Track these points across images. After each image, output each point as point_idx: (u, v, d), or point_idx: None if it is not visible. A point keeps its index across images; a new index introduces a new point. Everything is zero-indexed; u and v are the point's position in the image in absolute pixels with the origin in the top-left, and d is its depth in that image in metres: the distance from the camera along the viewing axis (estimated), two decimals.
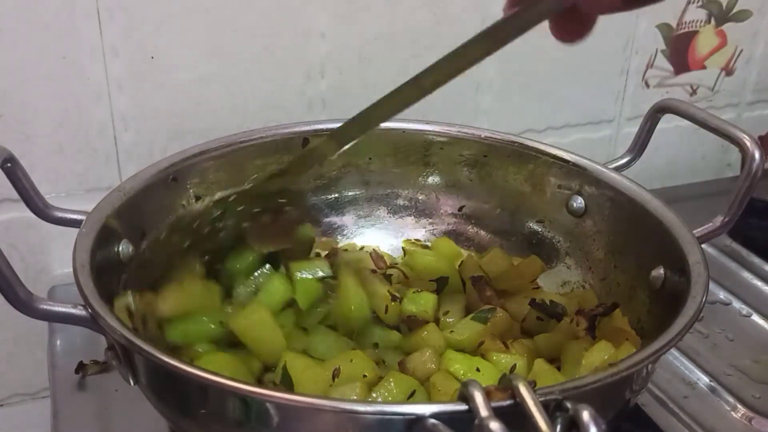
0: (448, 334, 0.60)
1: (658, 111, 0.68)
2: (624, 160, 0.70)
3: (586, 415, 0.38)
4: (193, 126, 0.74)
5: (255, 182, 0.66)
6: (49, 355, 0.68)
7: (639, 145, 0.70)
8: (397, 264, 0.71)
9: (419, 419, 0.41)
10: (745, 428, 0.62)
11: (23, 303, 0.48)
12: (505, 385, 0.41)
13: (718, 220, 0.62)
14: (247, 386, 0.43)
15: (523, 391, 0.40)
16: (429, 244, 0.74)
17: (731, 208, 0.61)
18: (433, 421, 0.40)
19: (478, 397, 0.39)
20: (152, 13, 0.70)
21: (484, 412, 0.39)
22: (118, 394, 0.62)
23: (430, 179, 0.75)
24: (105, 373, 0.65)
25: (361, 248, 0.73)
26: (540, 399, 0.40)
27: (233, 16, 0.72)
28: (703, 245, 0.57)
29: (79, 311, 0.49)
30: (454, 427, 0.39)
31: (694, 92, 0.97)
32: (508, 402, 0.40)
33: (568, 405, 0.40)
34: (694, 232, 0.59)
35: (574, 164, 0.68)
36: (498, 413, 0.39)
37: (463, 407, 0.40)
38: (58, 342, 0.69)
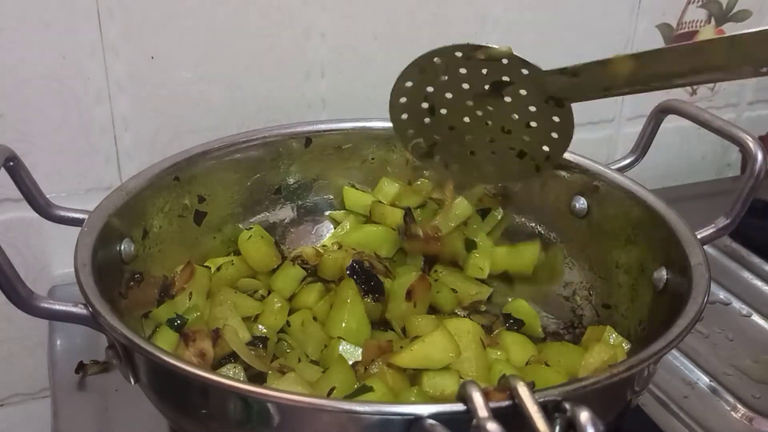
0: None
1: (662, 111, 0.68)
2: (627, 161, 0.70)
3: (584, 417, 0.38)
4: (193, 126, 0.74)
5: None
6: (49, 355, 0.68)
7: (642, 146, 0.70)
8: None
9: (418, 419, 0.41)
10: (745, 428, 0.62)
11: (24, 301, 0.48)
12: (504, 385, 0.41)
13: (721, 222, 0.62)
14: (247, 386, 0.44)
15: (522, 392, 0.40)
16: None
17: (734, 209, 0.61)
18: (431, 421, 0.40)
19: (477, 398, 0.39)
20: (152, 13, 0.70)
21: (482, 413, 0.39)
22: (118, 394, 0.62)
23: (431, 179, 0.75)
24: (105, 372, 0.65)
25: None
26: (539, 400, 0.40)
27: (233, 16, 0.72)
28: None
29: (80, 310, 0.49)
30: (452, 427, 0.40)
31: (694, 92, 0.97)
32: (506, 403, 0.40)
33: (567, 406, 0.40)
34: (697, 233, 0.59)
35: (577, 165, 0.68)
36: (496, 414, 0.39)
37: (462, 408, 0.40)
38: (58, 342, 0.69)
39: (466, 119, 0.64)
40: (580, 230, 0.69)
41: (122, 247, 0.59)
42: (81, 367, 0.65)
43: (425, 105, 0.64)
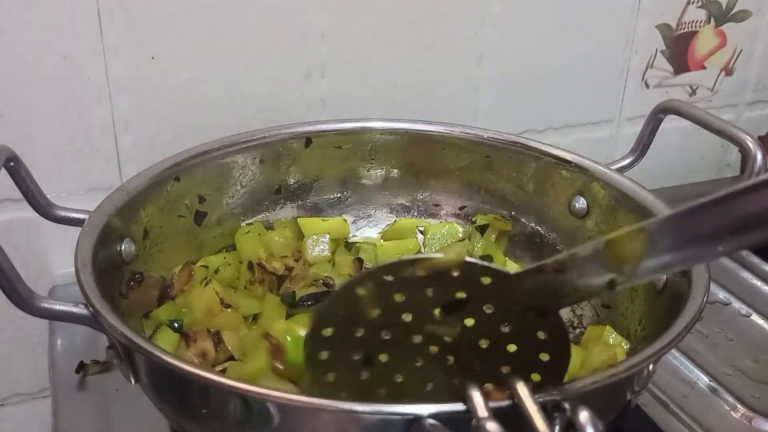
0: None
1: (661, 112, 0.68)
2: (627, 161, 0.70)
3: (583, 416, 0.38)
4: (193, 126, 0.74)
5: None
6: (49, 355, 0.68)
7: (642, 146, 0.70)
8: None
9: (417, 419, 0.41)
10: (745, 428, 0.62)
11: (24, 301, 0.48)
12: (504, 385, 0.41)
13: None
14: (247, 386, 0.44)
15: (522, 392, 0.40)
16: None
17: None
18: (431, 421, 0.40)
19: (477, 398, 0.40)
20: (152, 13, 0.70)
21: (482, 412, 0.39)
22: (119, 394, 0.62)
23: (431, 180, 0.75)
24: (105, 372, 0.65)
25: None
26: (539, 400, 0.40)
27: (233, 16, 0.72)
28: None
29: (80, 310, 0.49)
30: (452, 427, 0.40)
31: (693, 92, 0.97)
32: (506, 403, 0.40)
33: (567, 406, 0.40)
34: None
35: (577, 165, 0.68)
36: (496, 414, 0.39)
37: (461, 408, 0.40)
38: (59, 342, 0.69)
39: (419, 362, 0.46)
40: (579, 230, 0.69)
41: (123, 247, 0.59)
42: (81, 367, 0.65)
43: (357, 357, 0.46)
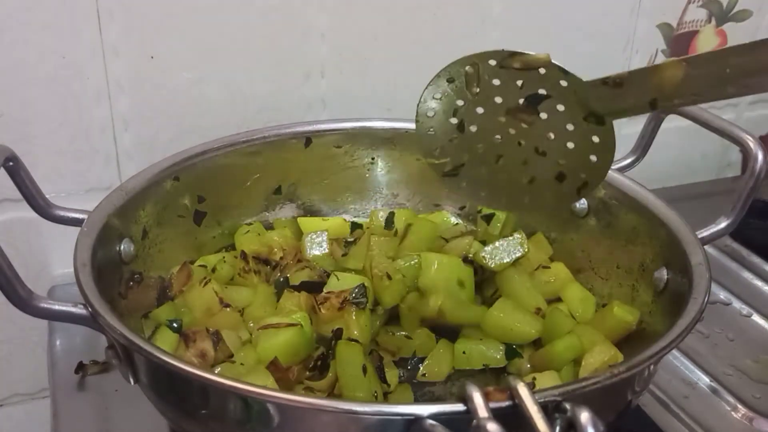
0: None
1: (662, 111, 0.68)
2: (628, 161, 0.70)
3: (584, 417, 0.38)
4: (193, 126, 0.74)
5: None
6: (49, 355, 0.68)
7: (643, 146, 0.70)
8: None
9: (418, 420, 0.41)
10: (746, 428, 0.62)
11: (24, 301, 0.48)
12: (504, 386, 0.41)
13: (721, 222, 0.62)
14: (247, 386, 0.43)
15: (522, 392, 0.40)
16: None
17: (734, 209, 0.61)
18: (431, 421, 0.40)
19: (477, 398, 0.39)
20: (152, 13, 0.70)
21: (482, 413, 0.39)
22: (118, 394, 0.62)
23: (432, 179, 0.75)
24: (105, 373, 0.65)
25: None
26: (539, 400, 0.40)
27: (233, 16, 0.72)
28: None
29: (79, 310, 0.49)
30: (452, 427, 0.40)
31: None
32: (506, 403, 0.40)
33: (567, 406, 0.40)
34: (698, 233, 0.59)
35: None
36: (496, 414, 0.39)
37: (461, 408, 0.40)
38: (58, 342, 0.69)
39: (498, 138, 0.58)
40: (580, 230, 0.69)
41: (122, 247, 0.59)
42: (81, 368, 0.65)
43: (454, 120, 0.58)
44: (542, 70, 0.54)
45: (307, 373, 0.57)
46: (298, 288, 0.62)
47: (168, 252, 0.64)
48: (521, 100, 0.56)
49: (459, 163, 0.60)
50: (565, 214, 0.70)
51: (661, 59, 0.92)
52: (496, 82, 0.56)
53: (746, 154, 0.61)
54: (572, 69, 0.91)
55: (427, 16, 0.79)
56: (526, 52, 0.54)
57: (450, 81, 0.57)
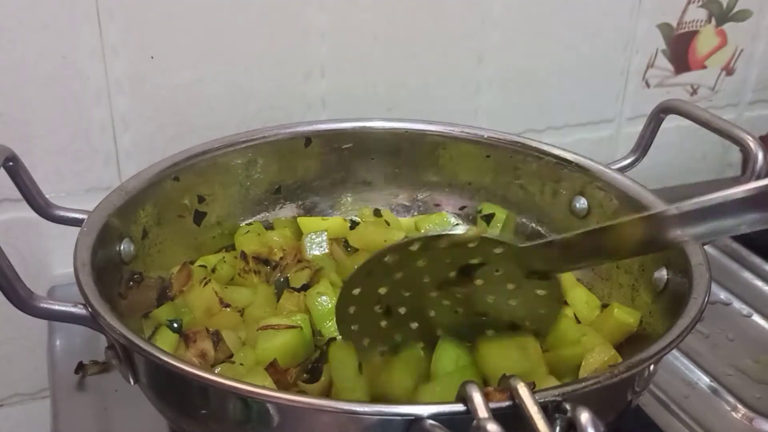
0: None
1: (662, 111, 0.68)
2: (628, 161, 0.70)
3: (584, 417, 0.38)
4: (193, 126, 0.74)
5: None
6: (49, 355, 0.68)
7: (643, 146, 0.70)
8: None
9: (417, 420, 0.41)
10: (746, 428, 0.62)
11: (23, 301, 0.48)
12: (504, 386, 0.41)
13: None
14: (247, 386, 0.43)
15: (522, 392, 0.40)
16: None
17: None
18: (431, 422, 0.40)
19: (477, 398, 0.39)
20: (152, 13, 0.70)
21: (482, 413, 0.39)
22: (118, 394, 0.62)
23: (432, 179, 0.75)
24: (105, 373, 0.65)
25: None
26: (539, 401, 0.40)
27: (233, 16, 0.72)
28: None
29: (79, 310, 0.49)
30: (452, 427, 0.39)
31: (694, 92, 0.97)
32: (506, 403, 0.40)
33: (567, 407, 0.40)
34: None
35: (578, 165, 0.68)
36: (496, 415, 0.39)
37: (462, 408, 0.40)
38: (58, 342, 0.69)
39: (432, 313, 0.54)
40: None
41: (122, 247, 0.59)
42: (81, 368, 0.65)
43: (378, 309, 0.54)
44: (472, 244, 0.51)
45: (305, 375, 0.57)
46: (298, 288, 0.62)
47: (168, 252, 0.64)
48: (452, 273, 0.52)
49: (393, 344, 0.55)
50: (565, 215, 0.69)
51: (661, 59, 0.92)
52: (421, 263, 0.52)
53: (746, 154, 0.61)
54: (572, 69, 0.92)
55: (427, 16, 0.79)
56: (453, 232, 0.53)
57: (368, 274, 0.52)
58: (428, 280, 0.53)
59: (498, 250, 0.51)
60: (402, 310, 0.54)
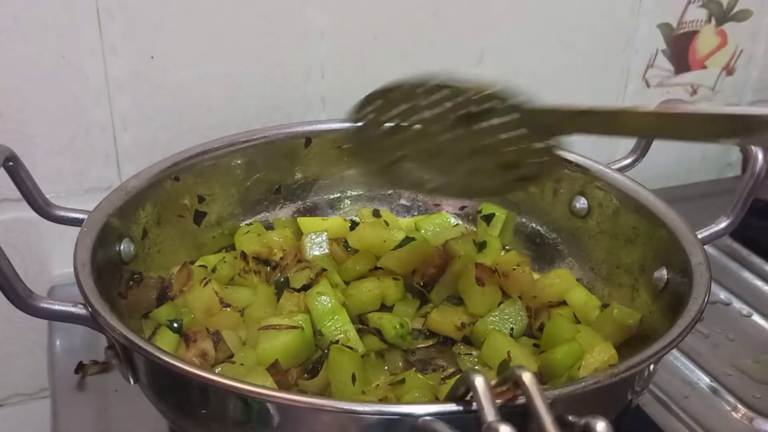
0: None
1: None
2: (627, 161, 0.70)
3: (600, 427, 0.37)
4: (193, 126, 0.74)
5: None
6: (48, 355, 0.68)
7: (642, 146, 0.70)
8: None
9: (418, 419, 0.41)
10: (746, 428, 0.62)
11: (23, 301, 0.48)
12: (509, 376, 0.40)
13: (722, 222, 0.62)
14: (247, 386, 0.43)
15: (531, 389, 0.39)
16: None
17: (734, 209, 0.61)
18: (432, 420, 0.40)
19: (483, 393, 0.38)
20: (152, 13, 0.70)
21: (489, 413, 0.38)
22: (118, 394, 0.62)
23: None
24: (105, 373, 0.65)
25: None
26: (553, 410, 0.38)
27: (233, 15, 0.72)
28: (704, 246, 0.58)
29: (79, 310, 0.49)
30: (454, 426, 0.39)
31: (694, 92, 0.97)
32: (519, 401, 0.39)
33: (581, 422, 0.39)
34: (698, 233, 0.59)
35: (578, 165, 0.68)
36: (504, 414, 0.38)
37: (463, 407, 0.40)
38: (58, 342, 0.69)
39: (441, 138, 0.56)
40: (580, 230, 0.69)
41: (122, 247, 0.59)
42: (80, 368, 0.65)
43: (395, 114, 0.57)
44: (484, 93, 0.53)
45: (305, 375, 0.57)
46: (298, 289, 0.62)
47: (168, 252, 0.64)
48: (460, 114, 0.55)
49: (395, 157, 0.59)
50: (565, 215, 0.69)
51: (661, 59, 0.92)
52: (448, 104, 0.54)
53: (746, 154, 0.61)
54: (572, 69, 0.91)
55: (427, 16, 0.79)
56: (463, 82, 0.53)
57: (388, 93, 0.56)
58: (447, 109, 0.54)
59: (507, 103, 0.52)
60: (416, 127, 0.56)
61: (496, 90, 0.53)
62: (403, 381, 0.56)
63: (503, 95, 0.53)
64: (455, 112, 0.54)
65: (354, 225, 0.72)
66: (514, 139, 0.54)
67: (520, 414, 0.39)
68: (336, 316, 0.61)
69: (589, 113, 0.51)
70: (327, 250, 0.68)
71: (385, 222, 0.72)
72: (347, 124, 0.72)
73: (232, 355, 0.57)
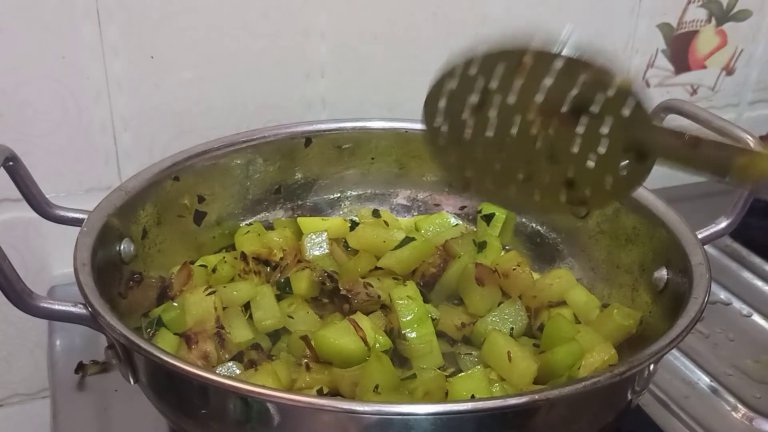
0: None
1: (662, 111, 0.68)
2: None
3: None
4: (193, 126, 0.74)
5: None
6: (48, 355, 0.68)
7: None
8: None
9: (418, 419, 0.41)
10: (746, 428, 0.62)
11: (23, 301, 0.48)
12: None
13: (722, 222, 0.62)
14: (247, 386, 0.43)
15: None
16: None
17: (734, 209, 0.61)
18: (432, 420, 0.40)
19: None
20: (152, 12, 0.70)
21: None
22: (118, 394, 0.62)
23: (432, 179, 0.75)
24: (105, 373, 0.65)
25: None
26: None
27: (233, 15, 0.72)
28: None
29: (79, 309, 0.49)
30: (453, 427, 0.39)
31: (694, 92, 0.97)
32: None
33: None
34: (698, 234, 0.59)
35: None
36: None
37: (462, 407, 0.40)
38: (58, 342, 0.69)
39: (513, 131, 0.50)
40: (580, 230, 0.69)
41: (122, 247, 0.59)
42: (80, 368, 0.65)
43: (475, 99, 0.50)
44: (610, 92, 0.46)
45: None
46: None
47: (168, 252, 0.64)
48: (564, 108, 0.47)
49: (457, 139, 0.52)
50: (565, 215, 0.69)
51: (661, 59, 0.92)
52: (548, 82, 0.47)
53: None
54: None
55: (427, 16, 0.79)
56: (610, 68, 0.46)
57: (467, 69, 0.50)
58: (537, 99, 0.48)
59: (626, 112, 0.46)
60: (492, 113, 0.49)
61: (630, 85, 0.46)
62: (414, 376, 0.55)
63: (638, 96, 0.46)
64: (559, 99, 0.47)
65: (354, 225, 0.72)
66: (612, 152, 0.47)
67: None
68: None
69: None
70: (327, 251, 0.68)
71: (385, 222, 0.72)
72: (347, 124, 0.73)
73: (235, 356, 0.57)
